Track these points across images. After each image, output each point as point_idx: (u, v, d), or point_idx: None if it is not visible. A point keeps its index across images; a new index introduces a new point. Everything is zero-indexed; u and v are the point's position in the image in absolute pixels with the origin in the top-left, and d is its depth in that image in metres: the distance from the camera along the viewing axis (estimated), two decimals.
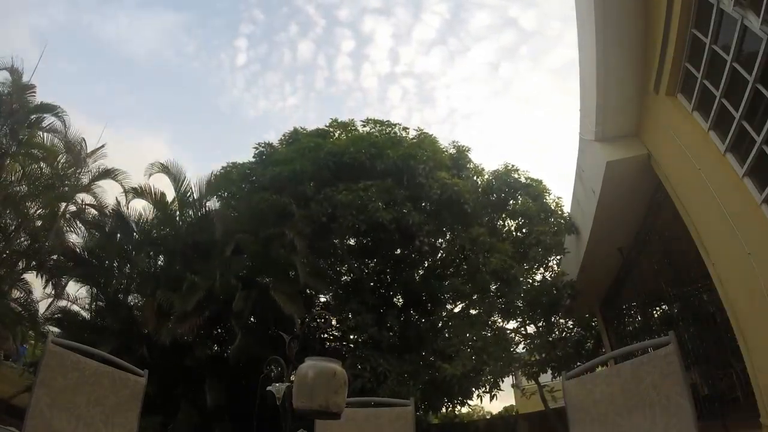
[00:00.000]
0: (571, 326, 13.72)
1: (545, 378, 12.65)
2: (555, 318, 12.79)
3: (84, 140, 12.47)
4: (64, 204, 12.08)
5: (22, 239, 11.79)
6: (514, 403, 20.54)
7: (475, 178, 14.01)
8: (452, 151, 14.25)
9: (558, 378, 11.76)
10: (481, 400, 12.08)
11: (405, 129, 13.67)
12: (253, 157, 13.67)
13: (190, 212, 12.53)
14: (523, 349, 13.04)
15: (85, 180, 12.51)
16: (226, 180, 13.11)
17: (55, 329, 11.27)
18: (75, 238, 11.96)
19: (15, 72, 11.51)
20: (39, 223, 11.86)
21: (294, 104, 56.22)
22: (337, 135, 13.70)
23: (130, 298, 12.16)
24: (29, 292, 11.80)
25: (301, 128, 14.22)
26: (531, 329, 12.84)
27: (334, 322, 12.55)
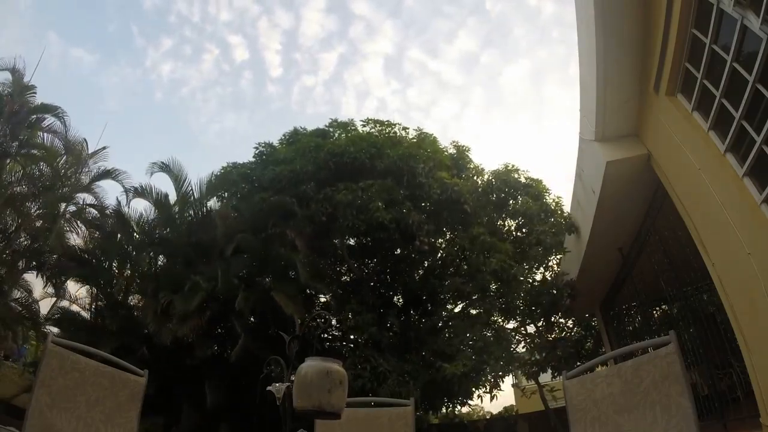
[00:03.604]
0: (571, 326, 13.74)
1: (545, 378, 12.66)
2: (555, 318, 12.81)
3: (85, 141, 12.52)
4: (64, 204, 12.09)
5: (23, 239, 11.79)
6: (514, 403, 20.53)
7: (475, 177, 14.02)
8: (452, 150, 14.27)
9: (558, 378, 11.77)
10: (482, 400, 12.11)
11: (405, 129, 13.70)
12: (253, 157, 13.69)
13: (191, 212, 12.54)
14: (523, 348, 13.06)
15: (85, 180, 12.52)
16: (226, 180, 13.11)
17: (55, 329, 11.28)
18: (75, 238, 11.98)
19: (16, 72, 11.52)
20: (39, 223, 11.86)
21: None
22: (337, 135, 13.71)
23: (130, 298, 12.16)
24: (29, 291, 11.81)
25: (302, 128, 14.24)
26: (531, 329, 12.86)
27: (334, 322, 12.56)
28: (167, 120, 53.86)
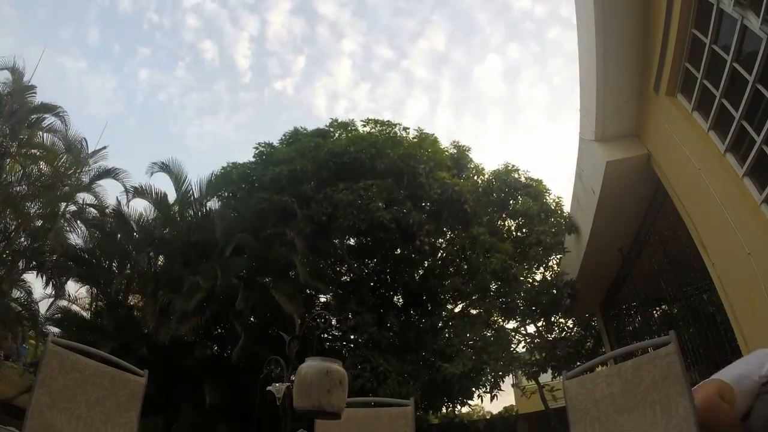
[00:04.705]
0: (571, 326, 13.72)
1: (545, 378, 12.65)
2: (555, 318, 12.80)
3: (85, 140, 12.53)
4: (64, 204, 12.10)
5: (22, 239, 11.79)
6: (514, 403, 20.52)
7: (475, 177, 14.03)
8: (453, 151, 14.27)
9: (558, 378, 11.76)
10: (482, 400, 12.10)
11: (405, 129, 13.71)
12: (253, 157, 13.68)
13: (191, 212, 12.55)
14: (523, 348, 13.04)
15: (85, 179, 12.53)
16: (226, 180, 13.12)
17: (56, 329, 11.27)
18: (75, 238, 11.98)
19: (16, 72, 11.53)
20: (39, 223, 11.86)
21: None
22: (337, 135, 13.71)
23: (130, 298, 12.17)
24: (29, 292, 11.82)
25: (302, 128, 14.25)
26: (531, 329, 12.84)
27: (334, 322, 12.57)
28: (148, 124, 54.90)
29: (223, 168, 13.53)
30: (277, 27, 49.87)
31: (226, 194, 13.35)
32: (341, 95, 60.95)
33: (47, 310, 11.59)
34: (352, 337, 12.12)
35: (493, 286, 11.96)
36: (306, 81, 58.15)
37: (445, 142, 14.28)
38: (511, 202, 12.92)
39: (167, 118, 57.39)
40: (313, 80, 58.26)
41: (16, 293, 11.67)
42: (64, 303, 11.70)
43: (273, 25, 49.74)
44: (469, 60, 57.04)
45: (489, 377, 11.16)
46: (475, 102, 60.45)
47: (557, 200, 12.89)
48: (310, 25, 51.39)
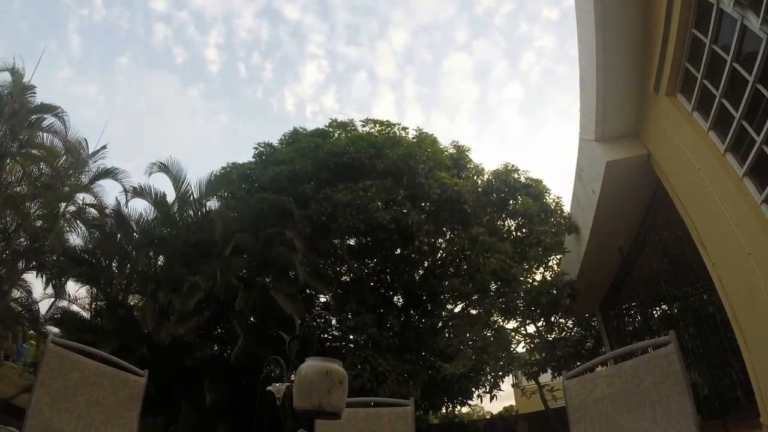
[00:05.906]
0: (571, 326, 13.72)
1: (545, 378, 12.66)
2: (555, 318, 12.80)
3: (85, 140, 12.53)
4: (64, 204, 12.09)
5: (22, 239, 11.79)
6: (514, 403, 20.54)
7: (475, 177, 14.03)
8: (452, 150, 14.28)
9: (558, 378, 11.76)
10: (482, 400, 12.10)
11: (405, 129, 13.71)
12: (253, 157, 13.68)
13: (190, 212, 12.54)
14: (523, 348, 13.05)
15: (85, 179, 12.53)
16: (226, 180, 13.11)
17: (56, 329, 11.28)
18: (75, 238, 11.98)
19: (16, 72, 11.53)
20: (39, 223, 11.86)
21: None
22: (336, 135, 13.71)
23: (130, 298, 12.17)
24: (29, 292, 11.82)
25: (301, 128, 14.27)
26: (531, 329, 12.85)
27: (334, 322, 12.56)
28: (132, 129, 55.51)
29: (223, 168, 13.56)
30: (242, 33, 50.63)
31: (225, 194, 13.35)
32: (308, 98, 61.83)
33: (47, 310, 11.61)
34: (351, 337, 12.12)
35: (493, 286, 11.96)
36: (274, 85, 59.02)
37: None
38: (510, 202, 12.92)
39: (149, 123, 58.21)
40: (281, 84, 59.27)
41: (16, 293, 11.68)
42: (64, 303, 11.72)
43: (239, 31, 50.52)
44: (436, 58, 57.20)
45: (489, 377, 11.16)
46: (444, 100, 60.56)
47: (557, 200, 12.91)
48: (274, 29, 52.00)
